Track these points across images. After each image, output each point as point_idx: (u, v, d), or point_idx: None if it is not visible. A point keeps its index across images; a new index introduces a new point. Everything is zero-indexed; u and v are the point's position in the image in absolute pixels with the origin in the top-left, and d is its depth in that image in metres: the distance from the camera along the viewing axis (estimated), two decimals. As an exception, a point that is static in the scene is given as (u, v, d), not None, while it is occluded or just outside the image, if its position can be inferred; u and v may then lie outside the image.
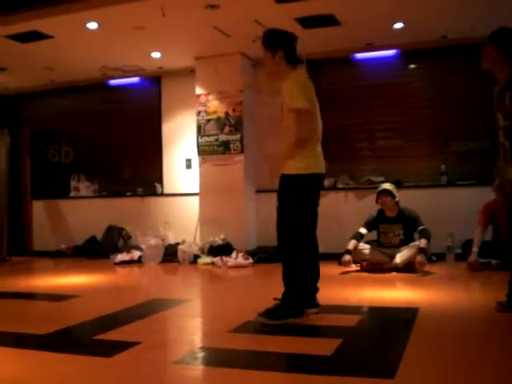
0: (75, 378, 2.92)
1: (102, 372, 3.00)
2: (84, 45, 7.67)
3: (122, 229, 9.19)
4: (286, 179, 4.05)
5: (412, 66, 8.35)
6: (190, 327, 4.21)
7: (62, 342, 3.71)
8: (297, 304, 3.98)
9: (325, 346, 3.35)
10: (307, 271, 4.15)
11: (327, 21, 7.00)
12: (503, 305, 4.10)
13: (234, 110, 8.36)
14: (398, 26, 7.20)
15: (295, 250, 4.04)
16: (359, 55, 8.31)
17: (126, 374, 2.95)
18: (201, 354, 3.35)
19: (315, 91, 4.22)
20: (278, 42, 4.14)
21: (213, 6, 6.39)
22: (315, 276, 4.24)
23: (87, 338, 3.82)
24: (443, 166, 7.74)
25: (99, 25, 6.89)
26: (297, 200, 4.02)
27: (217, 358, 3.32)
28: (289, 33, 4.22)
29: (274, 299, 4.01)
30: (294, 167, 3.98)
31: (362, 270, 6.69)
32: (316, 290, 4.25)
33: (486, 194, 6.53)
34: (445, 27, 7.26)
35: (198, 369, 3.11)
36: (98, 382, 2.87)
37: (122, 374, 2.96)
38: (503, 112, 3.93)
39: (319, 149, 4.17)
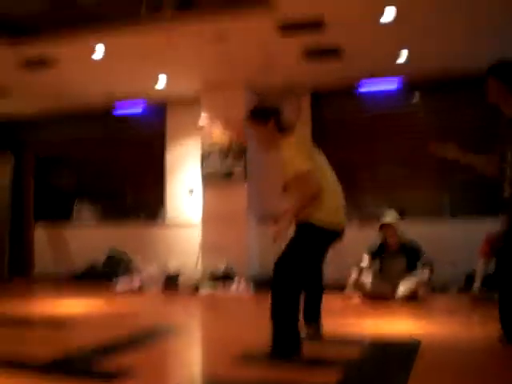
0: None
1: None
2: (90, 72, 7.75)
3: (123, 254, 9.17)
4: (302, 226, 4.05)
5: (415, 97, 8.40)
6: (190, 356, 4.19)
7: (60, 369, 3.66)
8: (293, 342, 3.86)
9: (326, 378, 3.32)
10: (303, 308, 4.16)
11: (331, 53, 7.07)
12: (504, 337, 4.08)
13: (238, 139, 8.40)
14: (402, 58, 7.26)
15: (290, 291, 3.92)
16: (363, 87, 8.37)
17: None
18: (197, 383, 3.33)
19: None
20: (267, 113, 4.21)
21: (220, 38, 6.45)
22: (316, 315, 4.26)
23: (86, 365, 3.78)
24: (446, 197, 7.74)
25: (106, 52, 6.95)
26: (303, 248, 3.99)
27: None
28: (273, 106, 4.38)
29: None
30: (311, 217, 3.97)
31: (364, 300, 6.64)
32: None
33: (489, 226, 6.53)
34: (448, 60, 7.32)
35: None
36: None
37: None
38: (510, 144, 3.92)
39: (336, 202, 4.15)
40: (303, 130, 4.27)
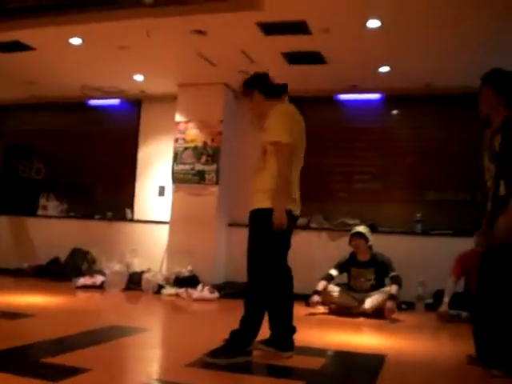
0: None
1: (44, 397, 2.78)
2: (66, 60, 7.53)
3: (87, 252, 8.93)
4: (260, 213, 3.89)
5: (395, 111, 8.35)
6: (146, 358, 4.00)
7: (8, 361, 3.47)
8: (247, 343, 3.79)
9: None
10: (281, 310, 4.03)
11: (313, 58, 6.98)
12: (474, 358, 3.97)
13: (212, 140, 8.24)
14: (384, 69, 7.21)
15: (266, 285, 3.87)
16: (343, 96, 8.30)
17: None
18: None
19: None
20: (251, 83, 4.19)
21: (199, 32, 6.30)
22: (289, 315, 4.07)
23: (35, 359, 3.58)
24: (419, 214, 7.68)
25: (83, 41, 6.76)
26: (269, 235, 3.84)
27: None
28: (259, 73, 4.26)
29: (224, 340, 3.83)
30: (269, 201, 3.83)
31: (330, 312, 6.54)
32: (293, 330, 4.07)
33: (460, 245, 6.49)
34: (430, 75, 7.28)
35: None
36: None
37: (65, 401, 2.74)
38: (490, 154, 3.85)
39: (296, 190, 4.03)
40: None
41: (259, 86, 4.12)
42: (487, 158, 3.89)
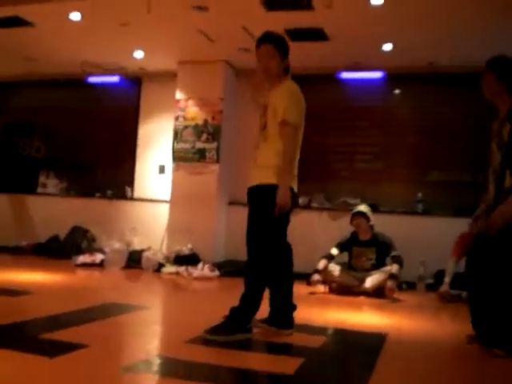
0: (11, 375, 2.66)
1: (40, 372, 2.74)
2: (66, 36, 7.44)
3: (86, 230, 8.90)
4: (264, 189, 3.83)
5: (398, 90, 8.26)
6: (145, 334, 3.96)
7: (7, 337, 3.45)
8: (247, 320, 3.76)
9: (285, 365, 3.15)
10: (281, 288, 4.00)
11: (316, 35, 6.88)
12: (474, 338, 3.94)
13: (213, 118, 8.17)
14: (387, 47, 7.11)
15: (266, 262, 3.82)
16: (345, 74, 8.21)
17: (66, 376, 2.70)
18: (151, 363, 3.12)
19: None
20: (287, 50, 4.04)
21: (201, 8, 6.21)
22: (290, 292, 4.04)
23: (32, 335, 3.55)
24: (420, 194, 7.63)
25: (83, 16, 6.66)
26: (272, 211, 3.78)
27: (169, 368, 3.09)
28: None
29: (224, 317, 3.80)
30: (274, 178, 3.78)
31: (331, 291, 6.51)
32: (293, 307, 4.04)
33: (461, 226, 6.40)
34: (433, 53, 7.18)
35: (146, 377, 2.88)
36: (34, 383, 2.62)
37: (61, 376, 2.70)
38: (498, 143, 3.78)
39: (296, 168, 3.98)
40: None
41: (275, 43, 3.96)
42: (495, 147, 3.82)
